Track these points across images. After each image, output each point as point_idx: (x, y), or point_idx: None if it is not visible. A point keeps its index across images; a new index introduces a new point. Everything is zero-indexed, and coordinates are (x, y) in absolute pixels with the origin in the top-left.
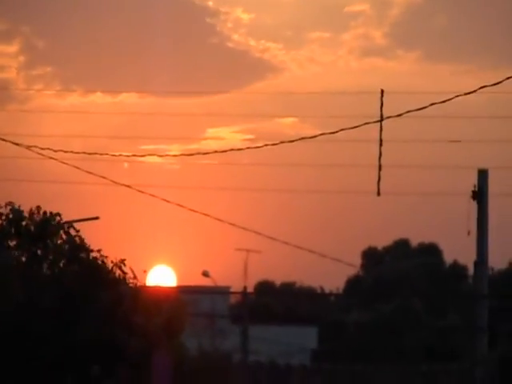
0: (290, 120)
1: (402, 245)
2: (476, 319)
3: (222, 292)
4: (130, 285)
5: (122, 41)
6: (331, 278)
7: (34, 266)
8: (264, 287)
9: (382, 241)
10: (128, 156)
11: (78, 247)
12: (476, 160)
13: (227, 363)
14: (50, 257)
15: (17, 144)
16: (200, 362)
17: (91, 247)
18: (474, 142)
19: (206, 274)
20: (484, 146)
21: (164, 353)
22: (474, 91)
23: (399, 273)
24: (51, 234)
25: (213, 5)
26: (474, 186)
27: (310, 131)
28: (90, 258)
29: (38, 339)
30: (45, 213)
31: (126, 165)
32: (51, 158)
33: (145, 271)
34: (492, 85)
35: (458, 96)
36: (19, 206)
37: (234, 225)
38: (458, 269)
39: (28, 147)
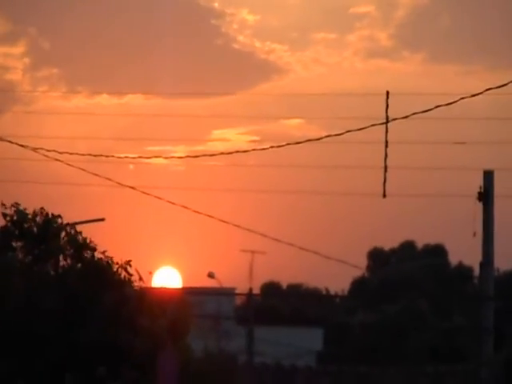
0: (295, 121)
1: (407, 246)
2: (482, 321)
3: (228, 293)
4: (136, 287)
5: (128, 42)
6: (337, 279)
7: (37, 267)
8: (270, 289)
9: (388, 242)
10: (133, 158)
11: (81, 245)
12: (482, 161)
13: (233, 365)
14: (53, 257)
15: (22, 146)
16: (205, 364)
17: (95, 247)
18: (480, 143)
19: (211, 276)
20: (490, 148)
21: (169, 354)
22: (480, 93)
23: (405, 274)
24: (53, 235)
25: (218, 6)
26: (480, 188)
27: (315, 133)
28: (95, 258)
29: (41, 340)
30: (47, 215)
31: (131, 166)
32: (57, 159)
33: (150, 273)
34: (498, 87)
35: (463, 98)
36: (24, 208)
37: (239, 226)
38: (463, 270)
39: (34, 149)
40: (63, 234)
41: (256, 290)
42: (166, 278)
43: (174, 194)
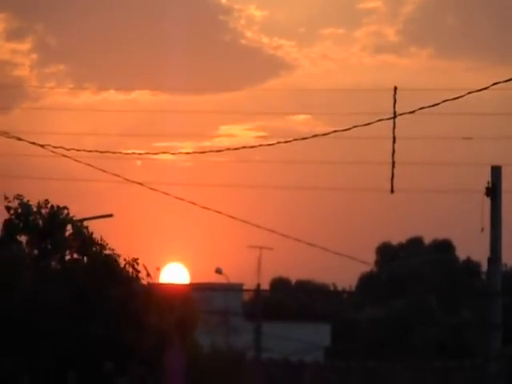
0: (302, 117)
1: (415, 242)
2: (490, 316)
3: (236, 289)
4: (143, 283)
5: (135, 38)
6: (344, 275)
7: (43, 261)
8: (279, 284)
9: (396, 238)
10: (141, 154)
11: (87, 239)
12: (489, 156)
13: (241, 360)
14: (60, 251)
15: (30, 142)
16: (213, 360)
17: (102, 242)
18: (488, 138)
19: (219, 271)
20: (497, 143)
21: (177, 350)
22: (487, 88)
23: (413, 269)
24: (59, 227)
25: (226, 2)
26: (488, 183)
27: (322, 128)
28: (102, 253)
29: (48, 334)
30: (52, 207)
31: (138, 162)
32: (64, 155)
33: (158, 269)
34: (505, 81)
35: (470, 93)
36: (28, 201)
37: (246, 222)
38: (471, 265)
39: (41, 145)
40: (69, 226)
41: (264, 286)
42: (174, 274)
43: (182, 189)
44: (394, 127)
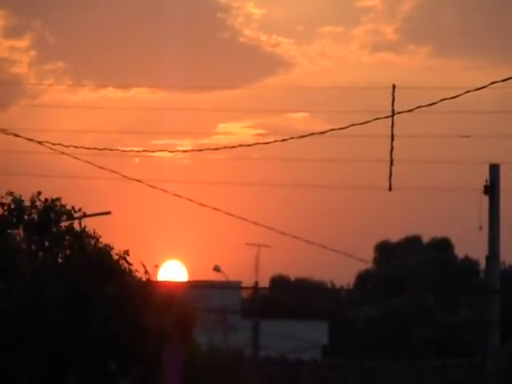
0: (300, 115)
1: (413, 240)
2: (488, 314)
3: (234, 287)
4: (136, 277)
5: (134, 36)
6: (342, 273)
7: (40, 256)
8: (279, 282)
9: (394, 236)
10: (139, 151)
11: (80, 234)
12: (487, 155)
13: (239, 358)
14: (55, 247)
15: (28, 139)
16: (211, 358)
17: (95, 235)
18: (486, 136)
19: (217, 269)
20: (495, 141)
21: (175, 349)
22: (485, 87)
23: (411, 267)
24: (55, 220)
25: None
26: (486, 181)
27: (320, 126)
28: (96, 246)
29: (45, 332)
30: (46, 200)
31: (137, 160)
32: (62, 153)
33: (156, 266)
34: (503, 80)
35: (468, 91)
36: (20, 196)
37: (244, 219)
38: (469, 263)
39: (39, 142)
40: (64, 217)
41: (263, 284)
42: (172, 271)
43: (180, 187)
44: (392, 125)
